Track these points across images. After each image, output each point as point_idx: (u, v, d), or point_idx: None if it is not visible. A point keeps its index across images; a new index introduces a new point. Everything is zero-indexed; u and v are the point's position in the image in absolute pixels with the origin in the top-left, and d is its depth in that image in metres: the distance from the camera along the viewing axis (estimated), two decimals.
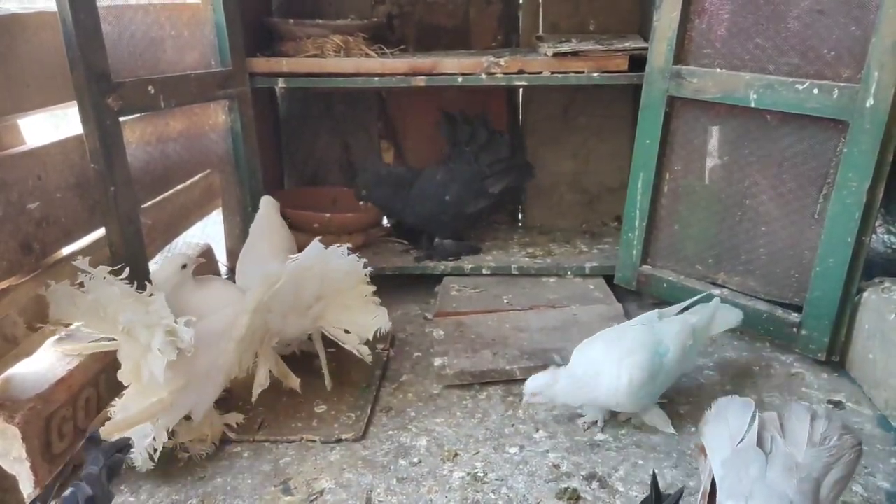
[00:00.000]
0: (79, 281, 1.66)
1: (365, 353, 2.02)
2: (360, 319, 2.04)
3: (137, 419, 1.65)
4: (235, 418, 1.91)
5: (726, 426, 1.46)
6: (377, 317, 2.02)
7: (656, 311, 2.04)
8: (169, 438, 1.71)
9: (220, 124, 2.54)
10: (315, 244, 2.00)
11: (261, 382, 1.92)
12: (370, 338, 2.02)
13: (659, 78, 2.37)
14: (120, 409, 1.69)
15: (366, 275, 2.08)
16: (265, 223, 2.40)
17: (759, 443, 1.39)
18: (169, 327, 1.64)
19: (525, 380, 1.80)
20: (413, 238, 3.02)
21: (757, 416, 1.44)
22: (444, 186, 2.81)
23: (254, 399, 1.93)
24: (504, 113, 3.28)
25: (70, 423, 1.74)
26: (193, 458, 1.80)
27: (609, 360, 1.80)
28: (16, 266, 1.75)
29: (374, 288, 2.10)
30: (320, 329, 2.09)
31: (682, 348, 1.88)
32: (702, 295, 2.17)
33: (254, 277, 1.91)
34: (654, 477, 1.35)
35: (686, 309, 2.06)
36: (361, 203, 2.88)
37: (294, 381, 2.04)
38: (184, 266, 1.99)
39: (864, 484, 1.68)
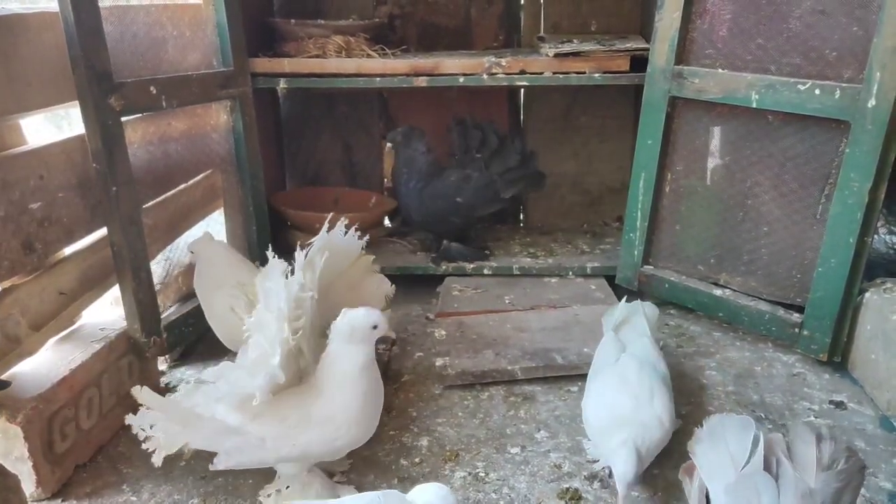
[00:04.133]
0: None
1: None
2: (365, 294, 2.03)
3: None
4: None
5: (725, 447, 1.36)
6: (380, 286, 2.03)
7: (610, 332, 1.96)
8: None
9: (222, 124, 2.54)
10: (322, 234, 1.87)
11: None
12: (381, 308, 2.02)
13: (660, 78, 2.37)
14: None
15: (362, 248, 2.05)
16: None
17: (765, 466, 1.29)
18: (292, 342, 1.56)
19: (526, 380, 1.75)
20: (422, 240, 3.01)
21: (762, 438, 1.34)
22: (458, 189, 2.75)
23: None
24: (505, 114, 3.28)
25: (72, 423, 1.74)
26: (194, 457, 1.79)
27: (643, 409, 1.64)
28: (18, 266, 1.75)
29: (373, 256, 2.12)
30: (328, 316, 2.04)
31: (662, 361, 1.84)
32: (621, 302, 2.09)
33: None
34: None
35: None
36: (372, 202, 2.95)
37: None
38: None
39: (866, 485, 1.67)
